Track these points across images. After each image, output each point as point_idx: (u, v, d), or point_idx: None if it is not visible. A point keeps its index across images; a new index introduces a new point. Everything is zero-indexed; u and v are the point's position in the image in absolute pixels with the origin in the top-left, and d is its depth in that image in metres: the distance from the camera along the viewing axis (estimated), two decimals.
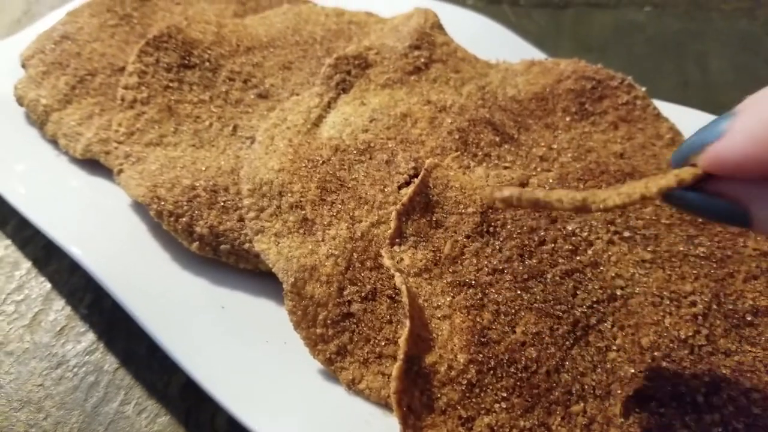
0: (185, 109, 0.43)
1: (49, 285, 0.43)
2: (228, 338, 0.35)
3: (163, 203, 0.37)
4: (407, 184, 0.39)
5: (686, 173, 0.25)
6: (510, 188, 0.24)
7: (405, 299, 0.31)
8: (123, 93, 0.43)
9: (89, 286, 0.42)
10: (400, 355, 0.29)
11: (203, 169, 0.40)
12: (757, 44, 0.66)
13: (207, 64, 0.45)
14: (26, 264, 0.44)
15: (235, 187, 0.39)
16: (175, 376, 0.37)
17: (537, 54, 0.54)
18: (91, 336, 0.40)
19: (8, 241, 0.45)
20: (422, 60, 0.47)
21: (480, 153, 0.41)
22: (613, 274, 0.35)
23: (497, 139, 0.42)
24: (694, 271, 0.35)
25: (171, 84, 0.44)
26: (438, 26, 0.51)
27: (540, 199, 0.24)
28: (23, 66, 0.49)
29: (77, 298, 0.42)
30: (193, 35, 0.47)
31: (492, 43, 0.55)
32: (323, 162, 0.40)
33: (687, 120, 0.46)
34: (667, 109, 0.47)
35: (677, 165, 0.26)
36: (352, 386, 0.33)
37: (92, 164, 0.44)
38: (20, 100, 0.47)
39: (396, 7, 0.56)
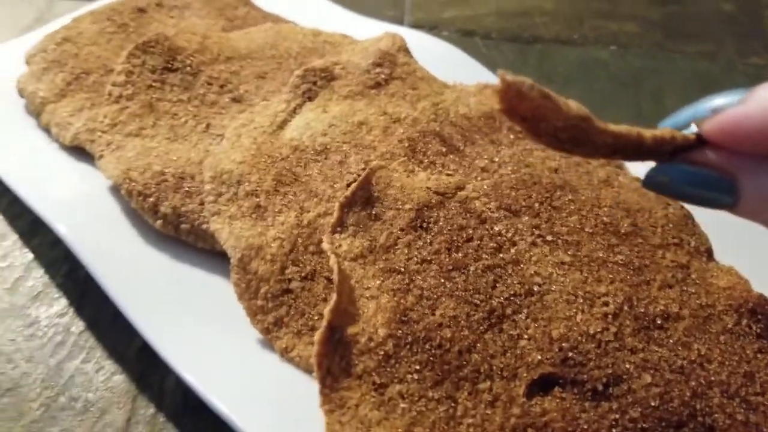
0: (164, 107, 0.48)
1: (31, 255, 0.47)
2: (180, 307, 0.39)
3: (133, 184, 0.41)
4: (356, 182, 0.43)
5: (679, 134, 0.25)
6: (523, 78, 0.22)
7: (336, 276, 0.35)
8: (111, 89, 0.48)
9: (66, 259, 0.46)
10: (324, 323, 0.33)
11: (174, 159, 0.44)
12: (714, 84, 0.70)
13: (188, 68, 0.50)
14: (13, 236, 0.49)
15: (201, 176, 0.43)
16: (133, 341, 0.41)
17: (492, 77, 0.58)
18: (63, 302, 0.44)
19: None
20: (383, 76, 0.51)
21: (426, 160, 0.45)
22: (532, 272, 0.38)
23: (444, 149, 0.46)
24: (611, 276, 0.39)
25: (154, 84, 0.49)
26: (404, 49, 0.56)
27: (550, 94, 0.22)
28: (27, 63, 0.54)
29: (55, 268, 0.46)
30: (178, 43, 0.52)
31: (456, 68, 0.60)
32: (282, 158, 0.44)
33: None
34: None
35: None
36: (284, 354, 0.36)
37: (78, 151, 0.48)
38: (21, 92, 0.52)
39: (372, 33, 0.61)
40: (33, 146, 0.50)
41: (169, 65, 0.50)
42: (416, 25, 0.74)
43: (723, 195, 0.25)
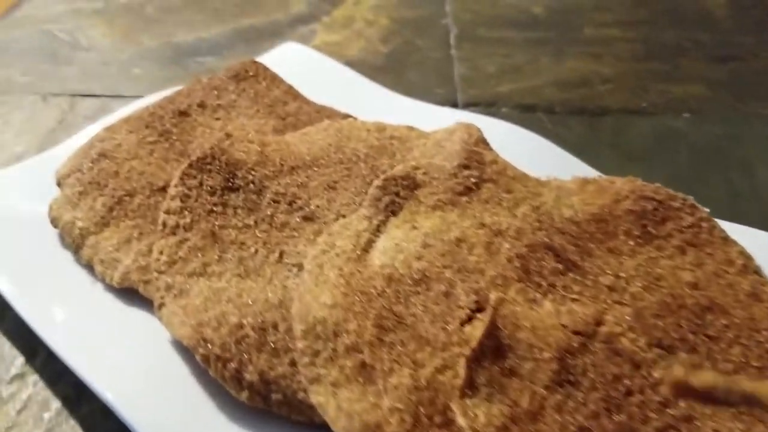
0: (230, 235, 0.41)
1: (80, 430, 0.39)
2: None
3: (210, 346, 0.34)
4: (470, 319, 0.36)
5: None
6: (710, 374, 0.19)
7: None
8: (165, 218, 0.42)
9: None
10: None
11: (250, 302, 0.37)
12: None
13: (251, 186, 0.44)
14: (56, 404, 0.40)
15: (284, 323, 0.36)
16: None
17: (581, 165, 0.52)
18: None
19: (36, 377, 0.42)
20: (472, 180, 0.45)
21: (544, 283, 0.38)
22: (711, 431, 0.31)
23: (560, 266, 0.40)
24: None
25: (215, 208, 0.42)
26: (483, 141, 0.50)
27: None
28: (59, 185, 0.48)
29: None
30: (236, 156, 0.45)
31: (534, 155, 0.54)
32: (378, 295, 0.37)
33: (750, 241, 0.44)
34: (729, 228, 0.44)
35: None
36: None
37: (129, 293, 0.41)
38: (55, 222, 0.46)
39: (432, 118, 0.55)
40: (73, 289, 0.42)
41: (230, 184, 0.43)
42: (471, 103, 0.68)
43: None
